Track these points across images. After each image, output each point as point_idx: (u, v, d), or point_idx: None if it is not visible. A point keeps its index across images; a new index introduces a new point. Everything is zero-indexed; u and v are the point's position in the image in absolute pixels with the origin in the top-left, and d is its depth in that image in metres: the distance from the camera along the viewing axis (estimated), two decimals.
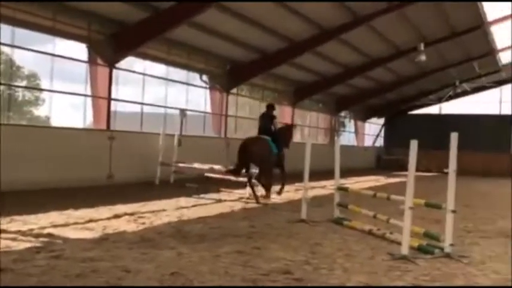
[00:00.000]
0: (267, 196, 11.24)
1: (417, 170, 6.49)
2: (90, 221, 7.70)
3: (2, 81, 13.48)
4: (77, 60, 13.51)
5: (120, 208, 9.08)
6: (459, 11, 18.65)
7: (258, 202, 10.75)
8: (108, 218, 8.04)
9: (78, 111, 14.10)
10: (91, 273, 4.81)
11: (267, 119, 11.69)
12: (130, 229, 7.20)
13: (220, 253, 5.86)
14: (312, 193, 11.87)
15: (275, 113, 12.24)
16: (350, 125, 32.33)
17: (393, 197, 7.24)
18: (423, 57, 20.60)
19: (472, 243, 7.25)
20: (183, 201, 10.67)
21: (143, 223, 7.75)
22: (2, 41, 11.62)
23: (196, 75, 18.14)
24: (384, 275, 5.28)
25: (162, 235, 6.84)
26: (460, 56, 25.19)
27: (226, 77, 18.82)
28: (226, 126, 19.49)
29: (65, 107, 21.90)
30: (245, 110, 21.80)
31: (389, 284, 4.99)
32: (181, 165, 14.03)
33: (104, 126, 13.91)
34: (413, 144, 6.17)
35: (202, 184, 13.07)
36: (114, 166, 13.53)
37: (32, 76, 21.43)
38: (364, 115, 32.92)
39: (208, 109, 18.89)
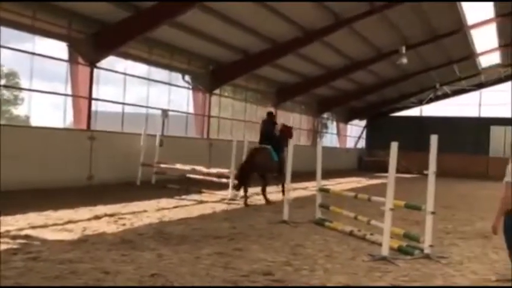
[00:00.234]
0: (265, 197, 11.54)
1: (398, 171, 6.55)
2: (70, 222, 7.60)
3: None
4: (57, 59, 13.33)
5: (101, 209, 8.98)
6: (440, 14, 18.91)
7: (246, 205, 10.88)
8: (88, 219, 7.95)
9: (58, 110, 13.91)
10: (69, 274, 4.75)
11: (268, 124, 12.21)
12: (110, 230, 7.13)
13: (201, 254, 5.84)
14: (294, 194, 11.93)
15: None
16: (332, 126, 32.52)
17: (374, 198, 7.29)
18: (404, 60, 20.81)
19: (451, 244, 7.34)
20: (164, 202, 10.60)
21: (124, 224, 7.67)
22: None
23: (179, 76, 18.05)
24: (364, 275, 5.32)
25: (143, 236, 6.78)
26: (440, 59, 25.55)
27: (209, 77, 18.76)
28: (208, 127, 19.43)
29: (45, 106, 21.57)
30: (228, 111, 21.76)
31: (369, 285, 5.03)
32: (162, 166, 13.95)
33: (84, 126, 13.75)
34: (394, 146, 6.22)
35: (184, 185, 13.01)
36: (94, 167, 13.38)
37: (11, 75, 21.04)
38: (346, 117, 33.14)
39: (191, 110, 18.82)
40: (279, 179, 11.79)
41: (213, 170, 12.83)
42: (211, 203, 10.97)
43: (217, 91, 19.69)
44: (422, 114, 34.09)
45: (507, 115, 28.96)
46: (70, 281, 4.57)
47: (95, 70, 13.89)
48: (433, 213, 6.38)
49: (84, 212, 8.59)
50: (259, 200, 11.65)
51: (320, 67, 22.73)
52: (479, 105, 32.22)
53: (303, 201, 11.48)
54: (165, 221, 8.18)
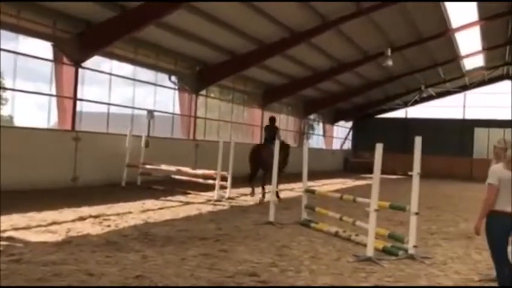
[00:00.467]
0: (263, 197, 11.85)
1: (383, 172, 6.60)
2: (54, 223, 7.52)
3: None
4: (42, 59, 13.18)
5: (85, 210, 8.90)
6: (425, 17, 19.09)
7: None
8: (73, 221, 7.87)
9: (42, 111, 13.74)
10: (53, 277, 4.70)
11: (271, 130, 12.77)
12: (94, 232, 7.07)
13: (187, 256, 5.82)
14: (280, 195, 11.94)
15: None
16: (318, 128, 32.63)
17: (359, 199, 7.34)
18: (390, 62, 20.95)
19: (435, 245, 7.41)
20: (149, 203, 10.54)
21: (108, 226, 7.61)
22: None
23: (165, 76, 17.95)
24: (349, 276, 5.35)
25: (128, 238, 6.73)
26: (425, 62, 25.80)
27: (196, 78, 18.70)
28: (195, 128, 19.37)
29: (29, 106, 21.29)
30: (215, 112, 21.71)
31: (354, 285, 5.05)
32: (148, 166, 13.87)
33: (69, 126, 13.60)
34: (379, 148, 6.27)
35: (169, 186, 12.94)
36: (79, 168, 13.25)
37: None
38: (333, 118, 33.28)
39: (177, 110, 18.74)
40: (265, 181, 11.81)
41: (199, 171, 12.80)
42: (197, 204, 10.94)
43: (203, 92, 19.64)
44: (407, 116, 34.38)
45: (491, 117, 29.30)
46: (53, 283, 4.53)
47: (80, 70, 13.75)
48: (417, 214, 6.45)
49: (68, 214, 8.51)
50: (244, 201, 11.64)
51: (307, 68, 22.80)
52: (464, 107, 32.61)
53: (289, 203, 11.50)
54: (150, 223, 8.13)
